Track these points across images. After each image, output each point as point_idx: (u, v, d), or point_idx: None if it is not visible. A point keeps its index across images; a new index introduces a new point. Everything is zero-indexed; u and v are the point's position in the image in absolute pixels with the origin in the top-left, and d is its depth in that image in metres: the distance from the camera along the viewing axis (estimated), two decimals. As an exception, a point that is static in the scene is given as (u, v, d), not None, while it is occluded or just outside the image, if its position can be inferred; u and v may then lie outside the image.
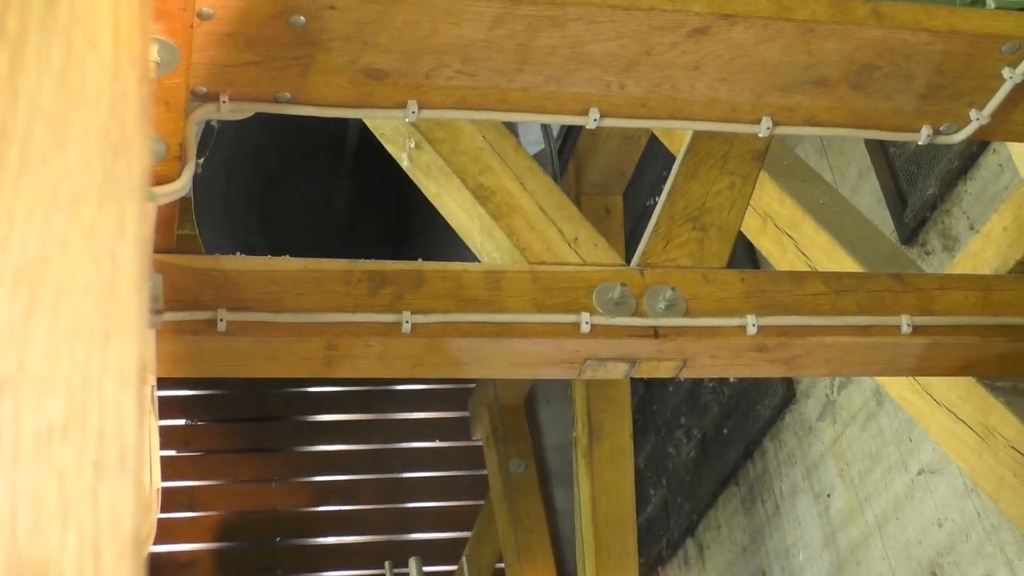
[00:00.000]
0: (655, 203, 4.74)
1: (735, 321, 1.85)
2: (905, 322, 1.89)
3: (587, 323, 1.79)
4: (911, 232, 3.35)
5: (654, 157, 4.49)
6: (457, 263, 1.83)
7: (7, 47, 0.38)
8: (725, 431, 4.33)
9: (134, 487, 0.36)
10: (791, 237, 2.72)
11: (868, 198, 3.58)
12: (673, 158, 2.34)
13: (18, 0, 0.38)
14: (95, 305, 0.38)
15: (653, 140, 3.95)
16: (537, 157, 4.37)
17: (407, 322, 1.74)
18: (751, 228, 2.75)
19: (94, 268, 0.38)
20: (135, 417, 0.37)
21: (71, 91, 0.39)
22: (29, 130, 0.38)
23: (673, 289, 1.85)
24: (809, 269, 2.56)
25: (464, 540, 5.48)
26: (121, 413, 0.37)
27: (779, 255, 2.74)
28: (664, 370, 1.89)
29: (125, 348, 0.38)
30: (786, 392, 3.87)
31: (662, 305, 1.83)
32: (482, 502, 5.53)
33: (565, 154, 4.50)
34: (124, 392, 0.37)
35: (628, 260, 1.96)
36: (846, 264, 2.44)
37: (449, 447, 5.89)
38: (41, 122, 0.39)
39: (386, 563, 3.80)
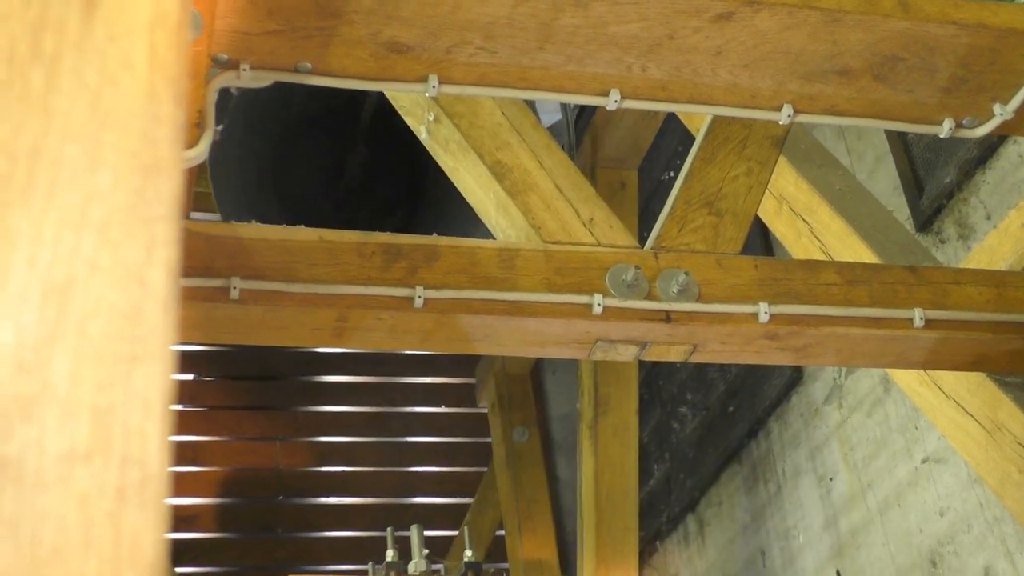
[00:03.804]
0: (670, 178, 4.73)
1: (747, 308, 1.84)
2: (918, 315, 1.89)
3: (599, 305, 1.79)
4: (927, 219, 3.34)
5: (670, 132, 4.47)
6: (472, 239, 1.83)
7: (42, 66, 0.38)
8: (730, 409, 4.33)
9: (157, 513, 0.36)
10: (806, 222, 2.71)
11: (885, 183, 3.56)
12: (689, 134, 2.32)
13: (55, 19, 0.38)
14: (122, 329, 0.38)
15: (670, 115, 3.93)
16: (554, 128, 4.35)
17: (419, 297, 1.74)
18: (766, 211, 2.74)
19: (122, 291, 0.38)
20: (160, 443, 0.37)
21: (105, 112, 0.39)
22: (61, 150, 0.38)
23: (686, 273, 1.84)
24: (823, 254, 2.55)
25: (465, 506, 5.51)
26: (145, 439, 0.37)
27: (793, 239, 2.73)
28: (674, 354, 1.89)
29: (151, 373, 0.38)
30: (793, 373, 3.87)
31: (675, 289, 1.83)
32: (485, 469, 5.54)
33: (581, 126, 4.48)
34: (149, 417, 0.37)
35: (641, 234, 1.96)
36: (860, 251, 2.44)
37: (454, 413, 5.90)
38: (73, 143, 0.38)
39: (388, 529, 3.82)
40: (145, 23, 0.40)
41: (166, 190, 0.39)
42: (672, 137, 4.55)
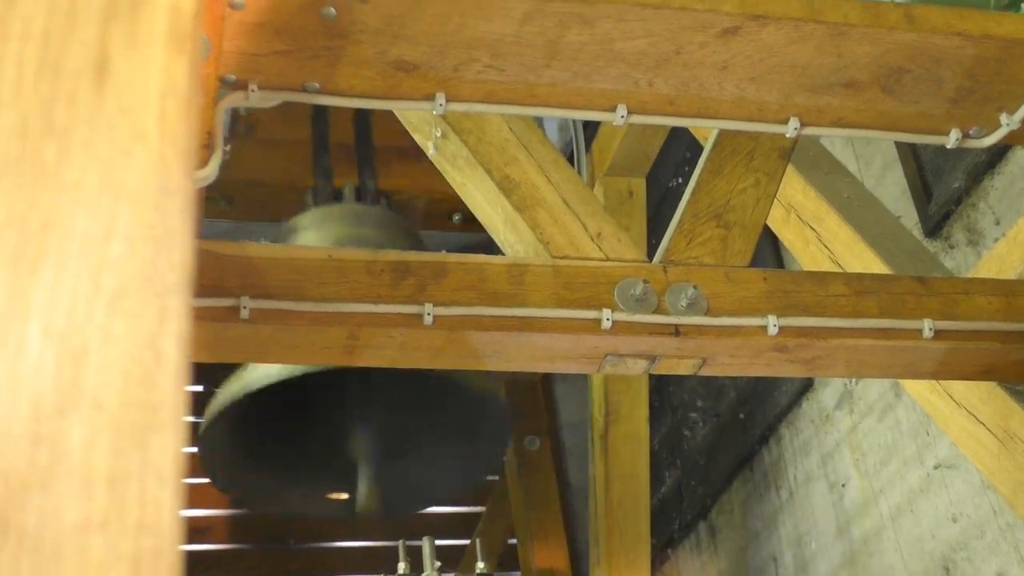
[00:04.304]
0: (678, 184, 4.73)
1: (756, 321, 1.84)
2: (927, 326, 1.89)
3: (608, 319, 1.79)
4: (935, 224, 3.33)
5: (678, 138, 4.47)
6: (480, 255, 1.84)
7: (55, 139, 0.38)
8: (741, 416, 4.33)
9: (172, 580, 0.36)
10: (814, 230, 2.71)
11: (893, 188, 3.56)
12: (697, 141, 2.32)
13: (67, 92, 0.39)
14: (136, 398, 0.39)
15: (678, 123, 3.93)
16: (563, 137, 4.36)
17: (429, 314, 1.74)
18: (774, 219, 2.75)
19: (135, 361, 0.39)
20: (174, 511, 0.37)
21: (116, 184, 0.40)
22: (74, 223, 0.39)
23: (695, 287, 1.84)
24: (831, 262, 2.55)
25: (477, 515, 5.51)
26: (160, 507, 0.37)
27: (801, 247, 2.74)
28: (683, 367, 1.89)
29: (165, 441, 0.38)
30: (803, 380, 3.87)
31: (683, 303, 1.83)
32: (496, 478, 5.54)
33: (589, 134, 4.48)
34: (163, 485, 0.38)
35: (650, 241, 1.97)
36: (868, 259, 2.44)
37: (465, 421, 5.90)
38: (86, 215, 0.39)
39: (400, 542, 3.82)
40: (156, 94, 0.41)
41: (178, 260, 0.39)
42: (680, 144, 4.56)
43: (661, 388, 4.91)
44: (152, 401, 0.39)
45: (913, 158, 3.48)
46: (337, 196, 3.73)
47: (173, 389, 0.39)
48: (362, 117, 4.00)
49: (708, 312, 1.84)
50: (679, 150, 4.63)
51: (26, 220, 0.39)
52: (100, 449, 0.38)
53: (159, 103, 0.42)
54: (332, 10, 1.57)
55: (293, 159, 4.30)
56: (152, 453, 0.38)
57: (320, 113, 3.90)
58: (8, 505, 0.36)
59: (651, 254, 1.96)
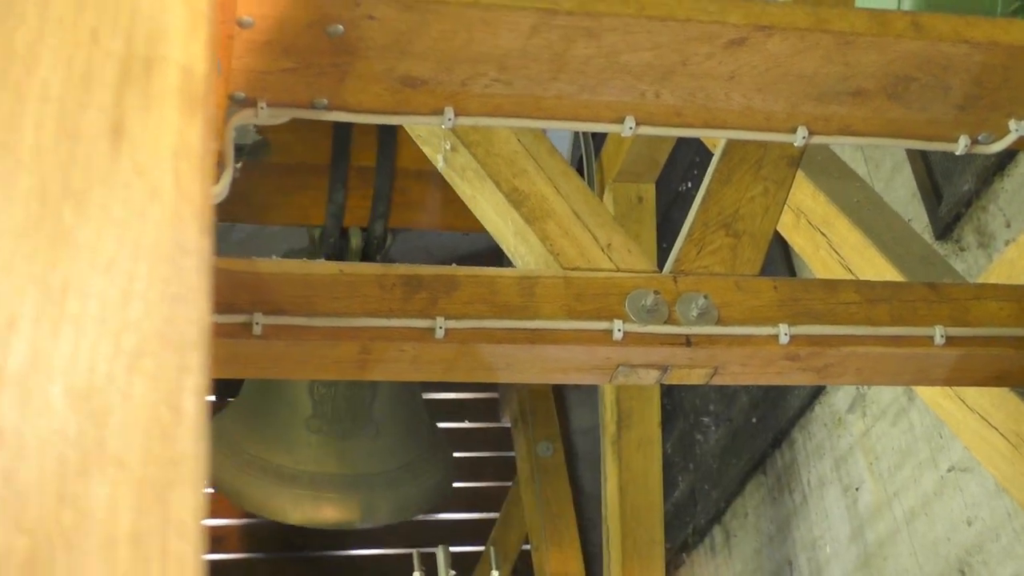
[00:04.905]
0: (687, 189, 4.73)
1: (767, 330, 1.85)
2: (939, 333, 1.89)
3: (619, 330, 1.80)
4: (945, 227, 3.33)
5: (687, 143, 4.47)
6: (491, 268, 1.84)
7: (72, 201, 0.39)
8: (754, 420, 4.33)
9: (194, 637, 0.37)
10: (824, 235, 2.71)
11: (902, 191, 3.56)
12: (706, 146, 2.31)
13: (83, 155, 0.39)
14: (157, 455, 0.39)
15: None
16: (572, 145, 4.36)
17: (440, 328, 1.75)
18: (784, 224, 2.75)
19: (156, 419, 0.39)
20: (196, 566, 0.38)
21: (133, 244, 0.40)
22: (92, 282, 0.39)
23: (706, 297, 1.85)
24: (841, 267, 2.55)
25: (491, 522, 5.51)
26: (183, 562, 0.38)
27: (811, 252, 2.74)
28: (695, 377, 1.89)
29: (186, 497, 0.39)
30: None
31: (694, 313, 1.84)
32: (509, 484, 5.55)
33: (598, 141, 4.49)
34: (185, 541, 0.38)
35: (660, 245, 1.97)
36: (879, 264, 2.44)
37: (478, 428, 5.91)
38: (104, 275, 0.40)
39: (414, 552, 3.83)
40: (170, 154, 0.41)
41: (196, 316, 0.40)
42: (689, 148, 4.56)
43: (672, 393, 4.91)
44: (172, 457, 0.39)
45: (922, 160, 3.48)
46: (343, 236, 3.76)
47: (193, 443, 0.39)
48: (386, 154, 4.01)
49: (719, 322, 1.85)
50: (688, 154, 4.63)
51: (46, 282, 0.39)
52: (123, 507, 0.39)
53: (173, 164, 0.42)
54: (340, 27, 1.58)
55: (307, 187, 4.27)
56: (173, 509, 0.39)
57: (341, 147, 3.91)
58: (34, 564, 0.36)
59: (661, 259, 1.97)
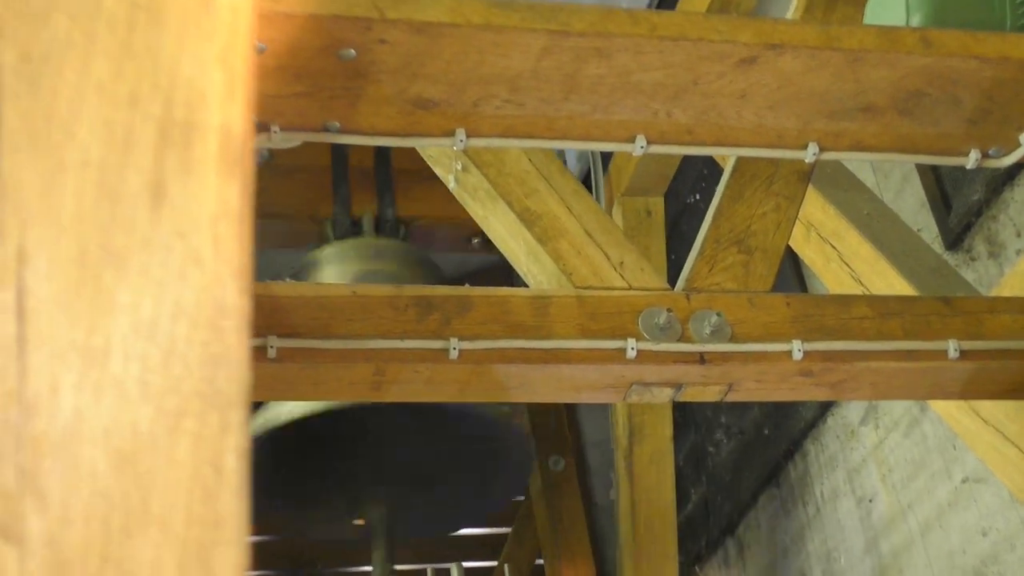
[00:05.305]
0: (695, 200, 4.72)
1: (781, 346, 1.85)
2: (952, 347, 1.89)
3: (633, 349, 1.80)
4: (956, 237, 3.33)
5: (695, 155, 4.47)
6: (504, 288, 1.85)
7: (113, 264, 0.40)
8: (766, 431, 4.32)
9: None
10: (834, 247, 2.71)
11: (912, 201, 3.55)
12: (714, 158, 2.31)
13: (124, 217, 0.40)
14: (199, 516, 0.40)
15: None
16: (581, 161, 4.36)
17: (454, 348, 1.75)
18: (794, 238, 2.74)
19: (198, 480, 0.40)
20: (239, 626, 0.38)
21: (173, 306, 0.41)
22: (133, 345, 0.40)
23: (719, 314, 1.85)
24: (852, 280, 2.55)
25: (504, 536, 5.50)
26: (226, 622, 0.39)
27: (822, 265, 2.73)
28: (709, 395, 1.89)
29: (228, 556, 0.39)
30: (828, 395, 3.86)
31: (708, 330, 1.84)
32: (522, 499, 5.54)
33: (607, 155, 4.49)
34: (228, 602, 0.39)
35: (669, 257, 1.97)
36: (890, 276, 2.43)
37: (489, 442, 5.90)
38: (145, 338, 0.40)
39: (428, 568, 3.83)
40: (209, 217, 0.42)
41: (236, 376, 0.40)
42: (697, 160, 4.56)
43: (684, 405, 4.91)
44: (215, 517, 0.40)
45: (931, 170, 3.48)
46: (356, 225, 3.76)
47: (234, 503, 0.40)
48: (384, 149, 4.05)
49: (732, 339, 1.85)
50: (696, 166, 4.64)
51: (88, 345, 0.40)
52: (167, 569, 0.39)
53: (213, 226, 0.43)
54: (351, 51, 1.59)
55: (311, 186, 4.31)
56: (216, 568, 0.39)
57: (339, 144, 3.94)
58: (81, 628, 0.37)
59: (671, 272, 1.97)
